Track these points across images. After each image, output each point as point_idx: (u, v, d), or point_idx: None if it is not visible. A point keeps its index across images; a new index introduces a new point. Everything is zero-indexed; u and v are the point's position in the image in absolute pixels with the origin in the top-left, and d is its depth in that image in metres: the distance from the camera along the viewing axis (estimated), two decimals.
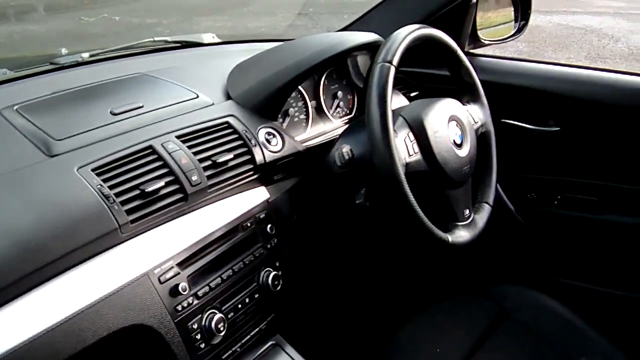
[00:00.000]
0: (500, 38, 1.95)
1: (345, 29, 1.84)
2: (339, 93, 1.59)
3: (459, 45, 1.72)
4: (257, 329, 1.31)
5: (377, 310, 1.90)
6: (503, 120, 1.76)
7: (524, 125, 1.75)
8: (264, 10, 7.95)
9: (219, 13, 7.71)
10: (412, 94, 1.74)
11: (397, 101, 1.60)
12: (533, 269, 1.87)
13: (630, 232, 1.71)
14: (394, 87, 1.65)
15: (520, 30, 1.95)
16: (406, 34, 1.26)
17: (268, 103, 1.36)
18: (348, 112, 1.62)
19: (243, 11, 7.94)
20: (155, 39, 1.74)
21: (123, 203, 1.05)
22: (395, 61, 1.22)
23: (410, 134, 1.26)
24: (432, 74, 1.76)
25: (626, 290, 1.78)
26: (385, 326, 1.51)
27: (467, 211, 1.37)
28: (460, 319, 1.55)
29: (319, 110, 1.55)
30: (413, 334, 1.48)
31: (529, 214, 1.81)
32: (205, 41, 1.83)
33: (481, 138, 1.47)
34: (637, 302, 1.76)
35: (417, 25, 1.31)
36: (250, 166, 1.27)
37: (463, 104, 1.45)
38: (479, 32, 1.85)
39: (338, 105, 1.59)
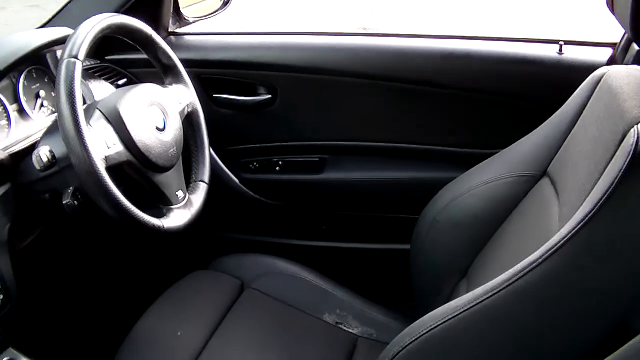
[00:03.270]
0: (207, 13, 1.95)
1: (46, 24, 1.75)
2: (41, 92, 1.51)
3: (162, 27, 1.72)
4: None
5: (113, 308, 1.86)
6: (215, 95, 1.77)
7: (236, 97, 1.78)
8: None
9: None
10: (120, 82, 1.70)
11: (104, 91, 1.55)
12: (265, 235, 1.92)
13: (350, 186, 1.81)
14: (100, 77, 1.61)
15: (226, 3, 1.97)
16: (91, 26, 1.22)
17: None
18: (54, 109, 1.55)
19: None
20: None
21: None
22: (81, 55, 1.18)
23: (108, 126, 1.23)
24: (140, 58, 1.73)
25: (354, 241, 1.88)
26: (123, 322, 1.48)
27: (181, 192, 1.37)
28: (199, 297, 1.55)
29: (22, 113, 1.47)
30: (151, 324, 1.46)
31: (253, 183, 1.84)
32: None
33: (188, 118, 1.47)
34: (365, 252, 1.88)
35: (103, 15, 1.27)
36: None
37: (166, 86, 1.45)
38: (182, 11, 1.84)
39: (42, 105, 1.52)
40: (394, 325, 1.52)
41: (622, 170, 0.92)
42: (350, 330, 1.55)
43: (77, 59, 1.17)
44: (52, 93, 1.55)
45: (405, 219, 1.67)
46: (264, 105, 1.77)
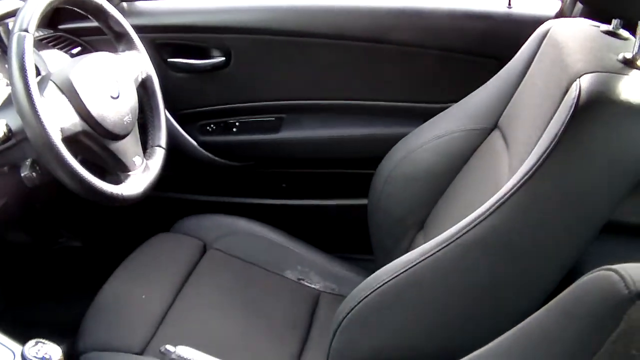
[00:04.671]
0: None
1: None
2: None
3: None
4: None
5: (78, 275, 1.87)
6: (170, 60, 1.77)
7: (191, 61, 1.78)
8: None
9: None
10: (74, 51, 1.69)
11: (58, 61, 1.54)
12: (226, 196, 1.93)
13: (308, 144, 1.83)
14: (54, 47, 1.60)
15: None
16: None
17: None
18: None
19: None
20: None
21: None
22: (31, 28, 1.18)
23: (62, 97, 1.24)
24: (94, 27, 1.71)
25: (314, 198, 1.91)
26: (88, 288, 1.49)
27: (138, 158, 1.38)
28: (162, 259, 1.57)
29: None
30: (116, 288, 1.47)
31: (212, 145, 1.85)
32: None
33: (143, 84, 1.48)
34: (325, 208, 1.90)
35: None
36: None
37: (119, 54, 1.45)
38: None
39: None
40: (355, 279, 1.55)
41: (565, 123, 0.95)
42: (313, 286, 1.58)
43: (28, 32, 1.17)
44: (7, 65, 1.53)
45: (363, 174, 1.69)
46: (218, 67, 1.77)
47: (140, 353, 1.34)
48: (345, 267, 1.65)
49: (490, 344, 0.63)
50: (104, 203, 1.27)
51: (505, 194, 0.99)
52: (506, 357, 0.61)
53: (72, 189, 1.19)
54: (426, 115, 1.54)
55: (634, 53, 1.03)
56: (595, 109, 0.95)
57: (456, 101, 1.48)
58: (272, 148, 1.85)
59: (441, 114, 1.49)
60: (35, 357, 0.82)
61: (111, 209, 1.37)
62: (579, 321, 0.54)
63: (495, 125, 1.36)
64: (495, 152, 1.30)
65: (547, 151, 0.96)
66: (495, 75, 1.40)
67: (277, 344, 1.42)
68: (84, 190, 1.19)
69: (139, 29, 1.49)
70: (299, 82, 1.79)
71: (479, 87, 1.43)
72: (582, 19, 1.26)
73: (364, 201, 1.62)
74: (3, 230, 1.56)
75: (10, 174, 1.30)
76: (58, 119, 1.19)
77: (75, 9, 1.36)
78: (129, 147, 1.36)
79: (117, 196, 1.26)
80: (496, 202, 0.99)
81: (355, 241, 1.75)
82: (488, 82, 1.41)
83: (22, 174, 1.26)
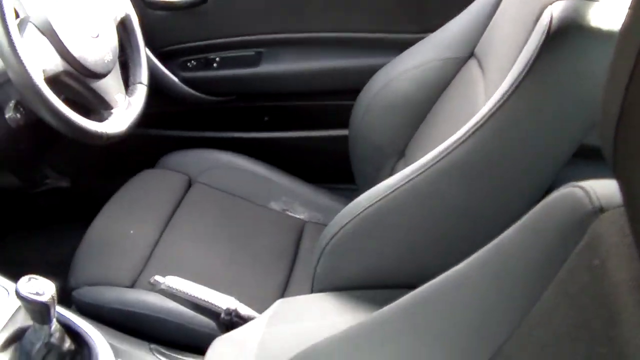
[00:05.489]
0: None
1: None
2: None
3: None
4: None
5: (66, 213, 1.89)
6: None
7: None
8: None
9: None
10: None
11: (37, 3, 1.53)
12: (209, 130, 1.95)
13: (288, 77, 1.84)
14: None
15: None
16: None
17: None
18: None
19: None
20: None
21: None
22: None
23: (43, 39, 1.25)
24: None
25: (296, 130, 1.93)
26: (77, 226, 1.52)
27: (121, 96, 1.41)
28: (148, 195, 1.60)
29: None
30: (104, 225, 1.50)
31: (193, 81, 1.86)
32: None
33: (122, 23, 1.49)
34: (308, 140, 1.93)
35: None
36: None
37: None
38: None
39: None
40: (339, 208, 1.55)
41: (537, 50, 0.97)
42: (297, 216, 1.62)
43: None
44: None
45: (343, 105, 1.70)
46: (196, 4, 1.76)
47: (131, 286, 1.38)
48: (329, 197, 1.68)
49: (467, 260, 0.66)
50: (89, 141, 1.29)
51: (481, 119, 1.02)
52: (480, 271, 0.64)
53: (57, 128, 1.21)
54: (404, 46, 1.55)
55: None
56: (567, 36, 0.96)
57: (433, 31, 1.49)
58: (252, 82, 1.85)
59: (418, 43, 1.50)
60: (29, 293, 0.83)
61: (96, 147, 1.39)
62: (546, 235, 0.57)
63: (471, 54, 1.38)
64: (472, 80, 1.31)
65: (520, 77, 0.98)
66: (471, 4, 1.41)
67: (263, 273, 1.47)
68: (69, 129, 1.22)
69: None
70: (277, 16, 1.79)
71: (455, 16, 1.44)
72: None
73: (345, 132, 1.64)
74: None
75: None
76: (40, 60, 1.21)
77: None
78: (111, 85, 1.38)
79: (101, 134, 1.29)
80: (472, 127, 1.02)
81: (338, 171, 1.78)
82: (464, 11, 1.42)
83: (7, 116, 1.28)
